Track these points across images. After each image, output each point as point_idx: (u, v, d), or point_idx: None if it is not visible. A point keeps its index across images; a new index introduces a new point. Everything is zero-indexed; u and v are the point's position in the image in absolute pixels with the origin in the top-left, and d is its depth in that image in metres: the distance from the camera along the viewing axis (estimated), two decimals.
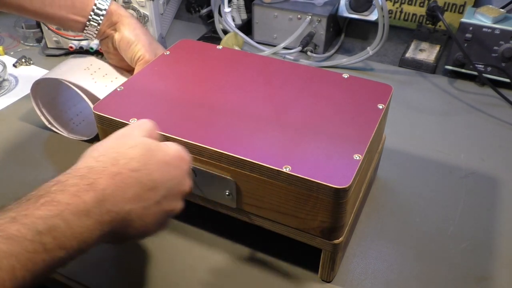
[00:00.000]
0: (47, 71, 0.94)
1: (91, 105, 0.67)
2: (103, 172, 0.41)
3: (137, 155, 0.43)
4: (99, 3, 0.66)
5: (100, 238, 0.39)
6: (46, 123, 0.76)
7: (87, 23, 0.67)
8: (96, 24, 0.67)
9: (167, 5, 1.08)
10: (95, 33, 0.68)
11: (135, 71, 0.68)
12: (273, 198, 0.50)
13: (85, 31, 0.68)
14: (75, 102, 0.80)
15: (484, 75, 0.88)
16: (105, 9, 0.66)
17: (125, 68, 0.73)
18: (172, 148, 0.47)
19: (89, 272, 0.56)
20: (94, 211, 0.38)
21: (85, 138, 0.75)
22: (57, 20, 0.67)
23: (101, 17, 0.67)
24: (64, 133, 0.76)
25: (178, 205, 0.47)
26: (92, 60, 0.74)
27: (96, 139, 0.73)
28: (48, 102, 0.77)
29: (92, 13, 0.66)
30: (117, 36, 0.68)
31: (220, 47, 0.71)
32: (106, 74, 0.71)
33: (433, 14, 0.92)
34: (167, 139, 0.53)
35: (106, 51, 0.72)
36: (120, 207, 0.40)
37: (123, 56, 0.69)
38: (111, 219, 0.40)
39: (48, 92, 0.76)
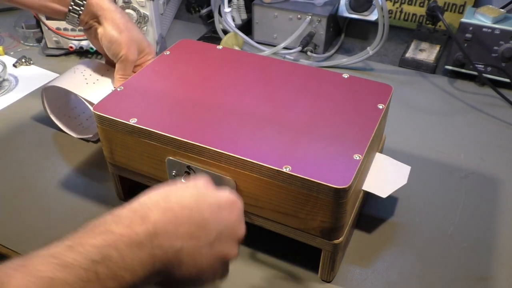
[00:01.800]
0: (47, 71, 0.94)
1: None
2: (154, 207, 0.41)
3: (189, 194, 0.43)
4: None
5: (152, 274, 0.39)
6: (60, 125, 0.77)
7: (68, 12, 0.66)
8: (76, 15, 0.66)
9: (167, 5, 1.08)
10: (76, 23, 0.67)
11: (116, 69, 0.68)
12: (273, 198, 0.50)
13: (66, 20, 0.68)
14: (84, 109, 0.81)
15: (484, 75, 0.88)
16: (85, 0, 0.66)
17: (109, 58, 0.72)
18: (224, 193, 0.46)
19: None
20: (146, 243, 0.38)
21: (90, 136, 0.76)
22: (37, 8, 0.66)
23: (82, 8, 0.66)
24: (73, 134, 0.77)
25: (232, 250, 0.45)
26: (99, 69, 0.74)
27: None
28: (59, 107, 0.78)
29: (72, 3, 0.65)
30: (100, 30, 0.67)
31: (220, 47, 0.71)
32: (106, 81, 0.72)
33: (433, 14, 0.92)
34: (167, 139, 0.53)
35: (90, 39, 0.72)
36: (172, 243, 0.40)
37: (105, 51, 0.69)
38: (162, 253, 0.39)
39: (59, 97, 0.77)
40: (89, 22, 0.68)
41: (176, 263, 0.40)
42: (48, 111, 0.76)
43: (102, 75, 0.72)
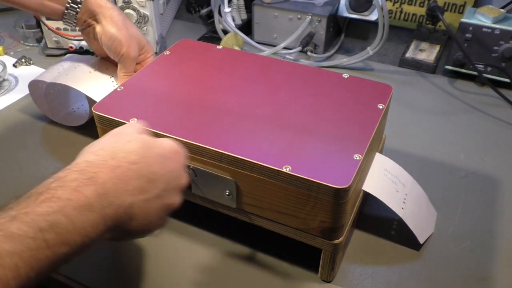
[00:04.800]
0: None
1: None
2: (102, 166, 0.41)
3: (135, 148, 0.44)
4: None
5: (104, 232, 0.39)
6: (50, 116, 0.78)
7: (65, 11, 0.66)
8: (74, 13, 0.66)
9: (167, 5, 1.08)
10: (74, 22, 0.67)
11: (119, 67, 0.67)
12: (273, 198, 0.50)
13: (63, 19, 0.67)
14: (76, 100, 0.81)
15: (484, 75, 0.88)
16: None
17: (105, 56, 0.71)
18: (168, 143, 0.47)
19: (89, 272, 0.56)
20: (96, 205, 0.38)
21: (83, 122, 0.76)
22: (34, 7, 0.66)
23: (79, 6, 0.65)
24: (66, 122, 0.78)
25: (177, 199, 0.47)
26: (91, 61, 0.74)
27: (90, 121, 0.73)
28: (53, 101, 0.78)
29: (69, 1, 0.65)
30: (98, 29, 0.67)
31: (220, 47, 0.71)
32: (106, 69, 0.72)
33: (433, 14, 0.92)
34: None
35: (87, 40, 0.71)
36: (122, 200, 0.40)
37: (105, 50, 0.68)
38: (113, 212, 0.39)
39: (50, 91, 0.77)
40: (87, 21, 0.67)
41: (127, 218, 0.41)
42: (43, 108, 0.76)
43: (78, 64, 0.73)
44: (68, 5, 0.65)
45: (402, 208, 0.57)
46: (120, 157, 0.42)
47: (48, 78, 0.71)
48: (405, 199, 0.58)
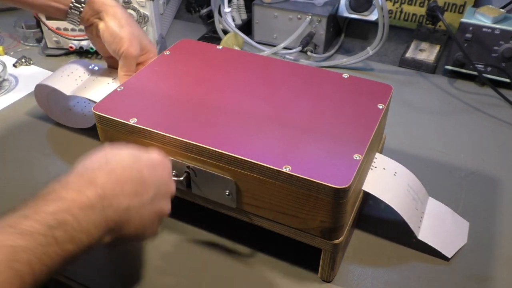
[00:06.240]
0: (47, 71, 0.94)
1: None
2: (99, 170, 0.43)
3: (126, 156, 0.46)
4: None
5: (105, 233, 0.41)
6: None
7: (69, 10, 0.66)
8: (77, 12, 0.66)
9: (167, 5, 1.08)
10: (77, 21, 0.67)
11: (120, 65, 0.67)
12: (273, 198, 0.50)
13: (67, 18, 0.67)
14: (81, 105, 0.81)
15: (484, 75, 0.88)
16: None
17: (108, 55, 0.71)
18: (154, 153, 0.49)
19: (89, 272, 0.56)
20: (97, 205, 0.41)
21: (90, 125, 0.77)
22: (38, 7, 0.66)
23: (83, 5, 0.65)
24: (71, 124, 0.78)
25: (167, 205, 0.49)
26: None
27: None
28: (57, 102, 0.79)
29: (73, 0, 0.65)
30: (101, 26, 0.67)
31: (220, 47, 0.71)
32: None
33: (433, 14, 0.92)
34: (167, 139, 0.53)
35: (91, 37, 0.71)
36: (120, 202, 0.43)
37: (106, 47, 0.68)
38: (113, 213, 0.42)
39: (54, 94, 0.77)
40: (90, 19, 0.67)
41: (125, 220, 0.43)
42: (45, 108, 0.76)
43: (88, 72, 0.73)
44: (72, 4, 0.65)
45: (419, 227, 0.58)
46: (113, 163, 0.45)
47: (67, 90, 0.71)
48: (421, 217, 0.59)
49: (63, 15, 0.67)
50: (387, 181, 0.57)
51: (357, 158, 0.49)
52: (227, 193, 0.53)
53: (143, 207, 0.45)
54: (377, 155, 0.59)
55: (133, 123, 0.54)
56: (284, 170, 0.47)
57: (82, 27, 0.70)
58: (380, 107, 0.57)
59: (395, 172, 0.58)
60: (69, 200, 0.39)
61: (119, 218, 0.42)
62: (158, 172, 0.48)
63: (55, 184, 0.41)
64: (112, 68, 0.73)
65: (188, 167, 0.54)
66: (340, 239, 0.51)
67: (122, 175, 0.44)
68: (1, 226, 0.36)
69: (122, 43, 0.66)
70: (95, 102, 0.65)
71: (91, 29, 0.69)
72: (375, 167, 0.57)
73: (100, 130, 0.58)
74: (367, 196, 0.57)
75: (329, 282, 0.55)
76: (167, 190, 0.49)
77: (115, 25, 0.66)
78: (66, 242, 0.38)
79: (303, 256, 0.57)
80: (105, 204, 0.41)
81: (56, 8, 0.66)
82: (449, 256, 0.57)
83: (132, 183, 0.44)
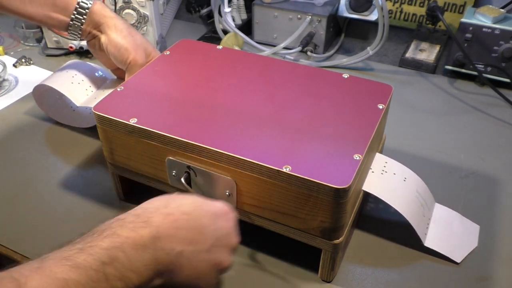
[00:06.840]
0: (47, 71, 0.94)
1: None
2: (156, 212, 0.43)
3: (188, 202, 0.46)
4: (82, 1, 0.65)
5: (154, 276, 0.41)
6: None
7: (70, 22, 0.65)
8: (79, 24, 0.65)
9: (167, 5, 1.08)
10: (79, 33, 0.67)
11: (126, 76, 0.67)
12: (273, 198, 0.50)
13: (69, 30, 0.67)
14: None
15: (484, 75, 0.88)
16: (88, 8, 0.65)
17: (114, 67, 0.71)
18: (219, 203, 0.48)
19: None
20: (150, 246, 0.41)
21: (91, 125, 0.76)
22: (39, 19, 0.66)
23: (84, 17, 0.65)
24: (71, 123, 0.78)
25: (227, 258, 0.47)
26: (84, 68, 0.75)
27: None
28: (56, 102, 0.79)
29: (75, 12, 0.65)
30: (104, 39, 0.66)
31: (220, 47, 0.71)
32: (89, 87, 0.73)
33: (433, 14, 0.92)
34: (167, 139, 0.53)
35: (94, 52, 0.71)
36: (173, 246, 0.42)
37: (112, 59, 0.68)
38: (165, 256, 0.41)
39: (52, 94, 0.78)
40: (92, 32, 0.67)
41: (177, 265, 0.43)
42: (45, 109, 0.76)
43: (87, 76, 0.73)
44: (74, 16, 0.65)
45: (425, 233, 0.58)
46: (172, 207, 0.44)
47: (78, 100, 0.71)
48: (428, 224, 0.59)
49: (64, 27, 0.67)
50: (397, 186, 0.56)
51: (357, 158, 0.49)
52: (227, 193, 0.53)
53: (198, 255, 0.44)
54: (388, 159, 0.59)
55: (133, 123, 0.54)
56: (284, 170, 0.47)
57: (83, 39, 0.69)
58: (380, 107, 0.57)
59: (405, 178, 0.58)
60: (123, 238, 0.40)
61: (170, 262, 0.42)
62: (220, 223, 0.46)
63: (112, 221, 0.42)
64: (121, 79, 0.72)
65: (188, 167, 0.54)
66: (340, 239, 0.51)
67: (179, 220, 0.43)
68: (58, 258, 0.37)
69: (127, 53, 0.65)
70: None
71: (93, 43, 0.69)
72: (386, 171, 0.57)
73: (100, 130, 0.58)
74: (367, 196, 0.57)
75: (329, 282, 0.55)
76: (228, 242, 0.47)
77: (118, 36, 0.66)
78: (116, 279, 0.38)
79: (303, 256, 0.57)
80: (157, 246, 0.41)
81: (57, 19, 0.66)
82: (458, 261, 0.57)
83: (188, 230, 0.43)
